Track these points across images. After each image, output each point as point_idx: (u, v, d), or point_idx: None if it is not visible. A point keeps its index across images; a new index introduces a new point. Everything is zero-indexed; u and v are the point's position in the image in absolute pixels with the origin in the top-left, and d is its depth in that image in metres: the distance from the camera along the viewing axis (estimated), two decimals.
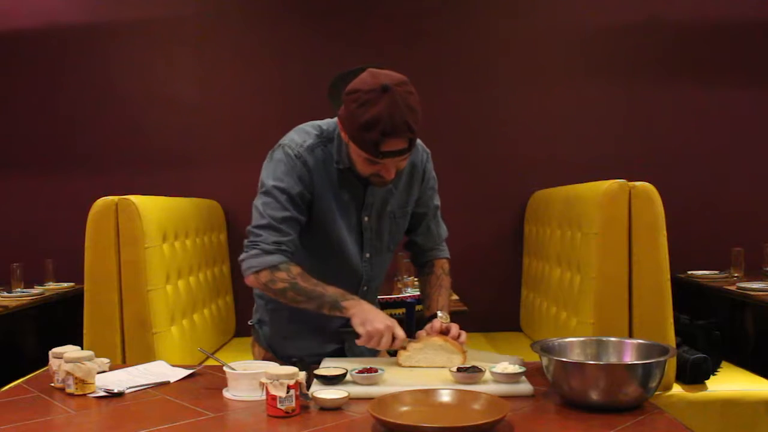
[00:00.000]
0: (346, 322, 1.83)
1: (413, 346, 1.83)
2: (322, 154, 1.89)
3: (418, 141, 2.03)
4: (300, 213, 1.87)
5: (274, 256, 1.83)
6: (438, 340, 1.83)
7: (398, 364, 1.81)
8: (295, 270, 1.83)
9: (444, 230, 2.19)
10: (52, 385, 1.76)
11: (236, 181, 4.13)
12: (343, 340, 2.02)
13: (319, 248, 1.95)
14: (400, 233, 2.07)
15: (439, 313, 2.00)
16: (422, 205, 2.09)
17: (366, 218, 1.96)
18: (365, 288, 2.03)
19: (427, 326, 1.94)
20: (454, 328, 1.91)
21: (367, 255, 1.99)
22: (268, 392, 1.49)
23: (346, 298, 1.82)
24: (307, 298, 1.83)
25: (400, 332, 1.78)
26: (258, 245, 1.84)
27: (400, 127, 1.69)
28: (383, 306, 2.58)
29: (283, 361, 1.89)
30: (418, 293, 2.84)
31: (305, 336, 2.04)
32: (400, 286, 3.54)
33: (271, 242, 1.83)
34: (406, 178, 2.01)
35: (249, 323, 2.21)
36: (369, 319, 1.77)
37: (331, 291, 1.82)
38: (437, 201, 2.14)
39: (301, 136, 1.92)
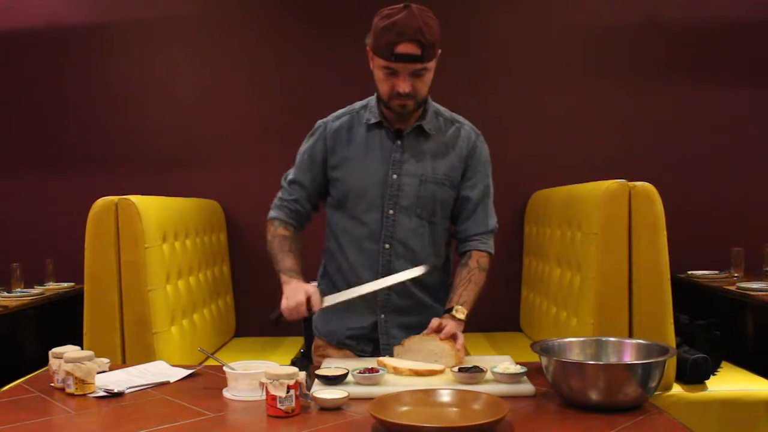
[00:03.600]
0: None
1: (403, 348, 1.84)
2: (348, 120, 2.12)
3: (469, 123, 2.17)
4: (306, 176, 2.13)
5: (275, 210, 2.17)
6: (428, 338, 1.83)
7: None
8: (281, 231, 2.12)
9: (493, 221, 2.15)
10: (52, 385, 1.76)
11: (236, 181, 4.14)
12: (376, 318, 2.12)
13: (345, 196, 2.09)
14: (432, 202, 2.05)
15: (456, 307, 1.98)
16: (469, 187, 2.09)
17: (395, 176, 2.04)
18: (387, 245, 2.04)
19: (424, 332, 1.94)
20: (449, 326, 1.89)
21: (390, 212, 2.03)
22: (268, 392, 1.49)
23: (288, 274, 2.00)
24: (272, 257, 2.09)
25: (315, 299, 1.91)
26: (274, 203, 2.20)
27: (413, 30, 1.86)
28: None
29: (326, 339, 2.18)
30: None
31: (342, 311, 2.09)
32: None
33: (278, 198, 2.19)
34: (445, 149, 2.08)
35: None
36: (289, 294, 1.93)
37: (287, 263, 2.04)
38: (489, 186, 2.13)
39: (336, 112, 2.18)
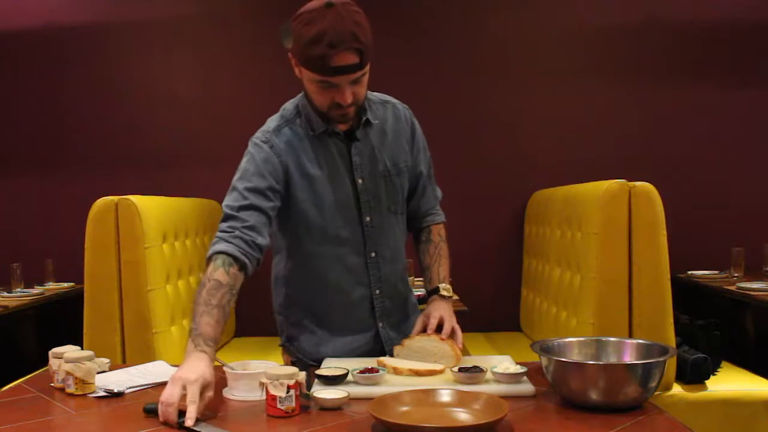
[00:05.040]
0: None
1: (403, 348, 1.83)
2: (290, 132, 1.90)
3: (394, 99, 2.03)
4: (263, 199, 1.79)
5: (221, 244, 1.70)
6: (427, 339, 1.83)
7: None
8: (219, 275, 1.65)
9: (439, 192, 2.12)
10: (52, 385, 1.75)
11: None
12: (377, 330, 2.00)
13: (318, 219, 1.88)
14: (399, 194, 1.98)
15: (442, 286, 1.97)
16: (417, 164, 2.03)
17: (360, 180, 1.90)
18: (373, 254, 1.94)
19: (418, 325, 1.92)
20: (446, 321, 1.88)
21: (368, 219, 1.92)
22: (268, 392, 1.49)
23: (194, 342, 1.55)
24: (194, 308, 1.64)
25: (190, 412, 1.41)
26: (217, 236, 1.75)
27: (347, 38, 1.65)
28: None
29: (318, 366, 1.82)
30: (421, 293, 2.83)
31: (336, 337, 1.98)
32: None
33: (226, 228, 1.74)
34: (392, 134, 1.96)
35: (279, 345, 2.11)
36: (173, 378, 1.48)
37: (203, 323, 1.58)
38: (430, 156, 2.08)
39: (266, 125, 1.96)
